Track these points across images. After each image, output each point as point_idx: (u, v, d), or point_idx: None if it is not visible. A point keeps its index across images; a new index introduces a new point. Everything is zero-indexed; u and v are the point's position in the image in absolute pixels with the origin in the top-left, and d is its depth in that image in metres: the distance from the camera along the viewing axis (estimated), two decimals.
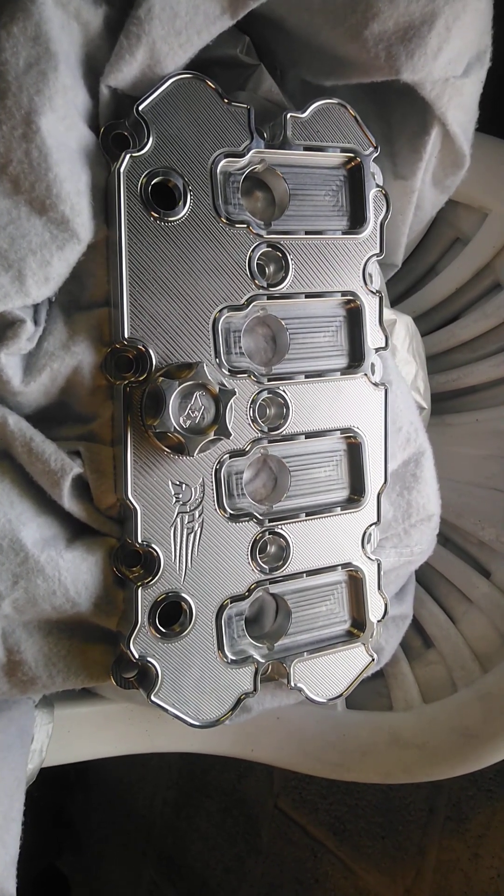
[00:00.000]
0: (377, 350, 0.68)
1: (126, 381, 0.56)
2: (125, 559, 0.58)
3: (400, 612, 0.81)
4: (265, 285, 0.62)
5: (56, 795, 1.83)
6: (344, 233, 0.65)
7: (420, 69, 0.62)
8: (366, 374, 0.67)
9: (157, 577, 0.58)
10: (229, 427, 0.58)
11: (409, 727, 0.85)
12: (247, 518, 0.62)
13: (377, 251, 0.67)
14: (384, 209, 0.67)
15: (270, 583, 0.64)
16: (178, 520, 0.59)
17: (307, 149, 0.63)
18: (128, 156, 0.55)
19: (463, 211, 0.93)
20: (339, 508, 0.67)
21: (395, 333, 0.80)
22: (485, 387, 0.95)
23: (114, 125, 0.57)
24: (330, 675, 0.68)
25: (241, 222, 0.60)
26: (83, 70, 0.56)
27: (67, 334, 0.57)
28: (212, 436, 0.57)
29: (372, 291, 0.67)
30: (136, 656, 0.58)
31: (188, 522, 0.60)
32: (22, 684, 0.59)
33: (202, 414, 0.57)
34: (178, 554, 0.59)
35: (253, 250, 0.61)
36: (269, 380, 0.63)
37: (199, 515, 0.60)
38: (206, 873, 1.42)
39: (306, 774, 1.19)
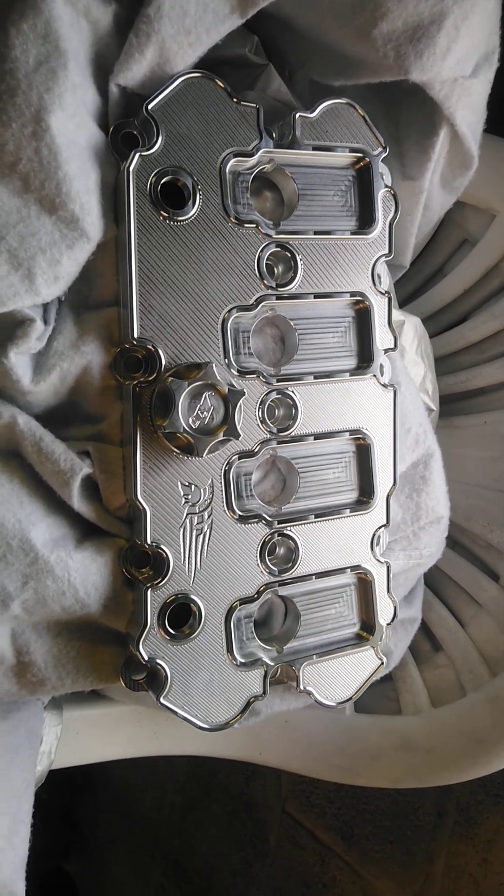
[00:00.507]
0: (386, 351, 0.68)
1: (135, 381, 0.56)
2: (134, 560, 0.58)
3: (409, 616, 0.81)
4: (274, 285, 0.62)
5: (64, 798, 1.82)
6: (353, 233, 0.65)
7: (429, 69, 0.62)
8: (375, 376, 0.67)
9: (166, 579, 0.58)
10: (238, 428, 0.57)
11: (418, 731, 0.84)
12: (256, 519, 0.62)
13: (386, 251, 0.67)
14: (393, 209, 0.67)
15: (279, 585, 0.64)
16: (188, 521, 0.59)
17: (316, 149, 0.63)
18: (137, 155, 0.55)
19: (471, 212, 0.93)
20: (348, 510, 0.67)
21: (403, 334, 0.80)
22: (493, 388, 0.94)
23: (123, 124, 0.57)
24: (339, 678, 0.67)
25: (250, 222, 0.60)
26: (93, 68, 0.56)
27: (77, 334, 0.56)
28: (221, 436, 0.57)
29: (381, 292, 0.67)
30: (146, 658, 0.57)
31: (197, 524, 0.59)
32: (31, 685, 0.58)
33: (211, 414, 0.57)
34: (187, 555, 0.59)
35: (262, 250, 0.61)
36: (278, 380, 0.62)
37: (209, 517, 0.60)
38: (214, 877, 1.41)
39: (314, 778, 1.19)
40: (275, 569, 0.63)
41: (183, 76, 0.57)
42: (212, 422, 0.57)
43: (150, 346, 0.56)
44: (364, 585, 0.68)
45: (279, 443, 0.63)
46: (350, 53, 0.63)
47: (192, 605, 0.59)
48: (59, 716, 0.73)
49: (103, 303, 0.58)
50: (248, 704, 0.62)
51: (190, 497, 0.59)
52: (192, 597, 0.59)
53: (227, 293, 0.60)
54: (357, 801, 1.14)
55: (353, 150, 0.65)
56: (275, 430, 0.63)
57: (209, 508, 0.60)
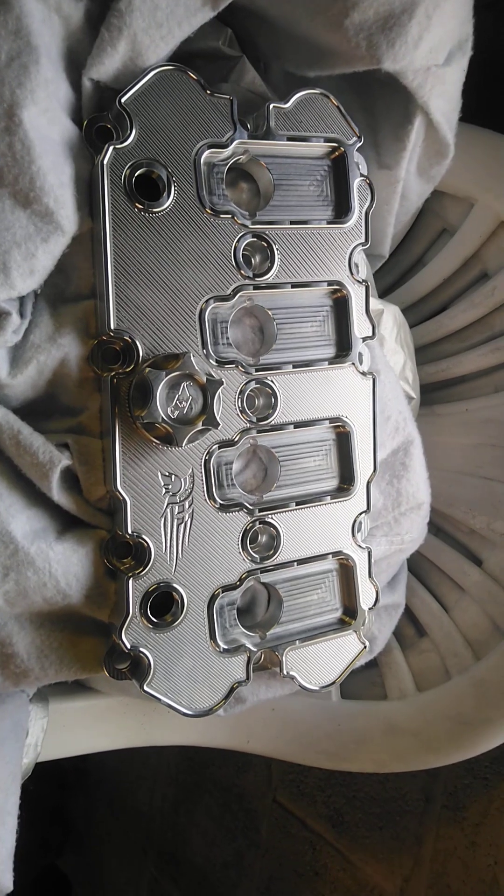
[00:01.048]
0: (364, 339, 0.68)
1: (113, 373, 0.57)
2: (116, 550, 0.58)
3: (392, 601, 0.82)
4: (251, 275, 0.62)
5: (56, 796, 1.83)
6: (329, 222, 0.66)
7: (401, 58, 0.62)
8: (353, 364, 0.68)
9: (147, 568, 0.58)
10: (217, 417, 0.58)
11: (404, 715, 0.85)
12: (237, 508, 0.62)
13: (362, 240, 0.67)
14: (369, 198, 0.68)
15: (261, 572, 0.64)
16: (168, 510, 0.59)
17: (291, 139, 0.63)
18: (111, 148, 0.56)
19: (449, 201, 0.93)
20: (328, 497, 0.67)
21: (382, 323, 0.80)
22: (473, 376, 0.95)
23: (97, 118, 0.57)
24: (322, 662, 0.68)
25: (226, 213, 0.60)
26: (65, 63, 0.56)
27: (54, 327, 0.57)
28: (200, 426, 0.57)
29: (358, 281, 0.67)
30: (129, 647, 0.58)
31: (178, 513, 0.60)
32: (14, 676, 0.59)
33: (190, 404, 0.57)
34: (168, 544, 0.59)
35: (238, 240, 0.61)
36: (257, 370, 0.63)
37: (189, 506, 0.60)
38: (206, 868, 1.42)
39: (304, 768, 1.20)
40: (257, 556, 0.64)
41: (155, 69, 0.57)
42: (190, 411, 0.57)
43: (127, 338, 0.57)
44: (346, 571, 0.69)
45: (259, 432, 0.64)
46: (323, 44, 0.63)
47: (174, 593, 0.60)
48: (45, 708, 0.73)
49: (80, 295, 0.58)
50: (231, 690, 0.63)
51: (170, 487, 0.59)
52: (175, 585, 0.60)
53: (205, 284, 0.60)
54: (346, 788, 1.15)
55: (327, 140, 0.65)
56: (255, 420, 0.63)
57: (190, 498, 0.60)
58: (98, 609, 0.59)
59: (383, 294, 1.01)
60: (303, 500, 0.66)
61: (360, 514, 0.69)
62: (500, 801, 0.96)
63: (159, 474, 0.59)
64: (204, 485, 0.61)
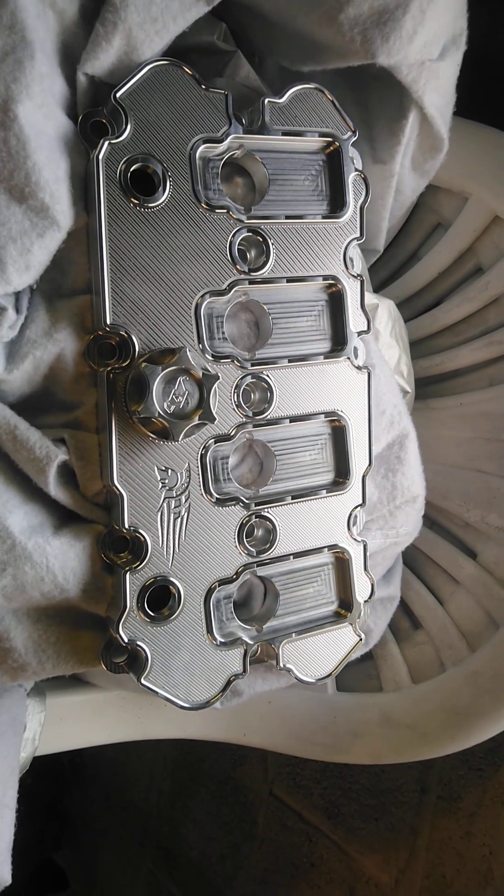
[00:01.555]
0: (359, 333, 0.69)
1: (109, 368, 0.57)
2: (113, 545, 0.59)
3: (388, 594, 0.82)
4: (247, 270, 0.62)
5: (53, 791, 1.84)
6: (324, 217, 0.66)
7: (396, 53, 0.62)
8: (349, 358, 0.68)
9: (144, 562, 0.58)
10: (214, 411, 0.58)
11: (399, 707, 0.86)
12: (233, 502, 0.63)
13: (357, 235, 0.68)
14: (363, 193, 0.68)
15: (258, 565, 0.65)
16: (165, 505, 0.60)
17: (286, 134, 0.63)
18: (106, 143, 0.56)
19: (443, 196, 0.93)
20: (324, 491, 0.67)
21: (377, 318, 0.81)
22: (468, 370, 0.95)
23: (92, 112, 0.57)
24: (318, 655, 0.68)
25: (222, 207, 0.60)
26: (60, 58, 0.56)
27: (50, 322, 0.57)
28: (196, 420, 0.57)
29: (353, 275, 0.68)
30: (126, 640, 0.58)
31: (175, 507, 0.60)
32: (12, 671, 0.59)
33: (186, 399, 0.58)
34: (165, 539, 0.60)
35: (234, 235, 0.61)
36: (253, 365, 0.63)
37: (186, 500, 0.60)
38: (203, 862, 1.43)
39: (300, 760, 1.21)
40: (253, 550, 0.64)
41: (150, 64, 0.57)
42: (187, 406, 0.58)
43: (123, 333, 0.57)
44: (341, 564, 0.69)
45: (255, 426, 0.64)
46: (317, 39, 0.64)
47: (171, 587, 0.60)
48: (43, 702, 0.74)
49: (76, 290, 0.58)
50: (228, 683, 0.63)
51: (167, 481, 0.59)
52: (171, 579, 0.60)
53: (200, 278, 0.60)
54: (342, 780, 1.16)
55: (322, 135, 0.65)
56: (250, 414, 0.63)
57: (186, 492, 0.60)
58: (95, 603, 0.59)
59: (378, 288, 1.01)
60: (299, 494, 0.66)
61: (356, 507, 0.69)
62: (494, 791, 0.97)
63: (156, 469, 0.59)
64: (200, 479, 0.61)
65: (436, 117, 0.70)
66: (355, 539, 0.69)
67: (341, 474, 0.69)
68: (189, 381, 0.57)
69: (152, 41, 0.57)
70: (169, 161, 0.58)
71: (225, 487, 0.63)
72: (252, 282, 0.62)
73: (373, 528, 0.74)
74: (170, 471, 0.59)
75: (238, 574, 0.63)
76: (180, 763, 1.50)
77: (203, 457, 0.61)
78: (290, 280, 0.65)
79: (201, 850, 1.43)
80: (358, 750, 0.87)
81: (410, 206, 0.90)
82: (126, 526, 0.58)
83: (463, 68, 0.71)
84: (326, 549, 0.68)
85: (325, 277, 0.66)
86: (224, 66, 0.66)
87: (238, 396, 0.62)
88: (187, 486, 0.60)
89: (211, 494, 0.61)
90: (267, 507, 0.65)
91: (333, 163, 0.66)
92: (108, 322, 0.56)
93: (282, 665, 0.66)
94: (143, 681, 0.59)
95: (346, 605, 0.70)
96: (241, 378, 0.62)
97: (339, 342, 0.68)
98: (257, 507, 0.64)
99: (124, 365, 0.57)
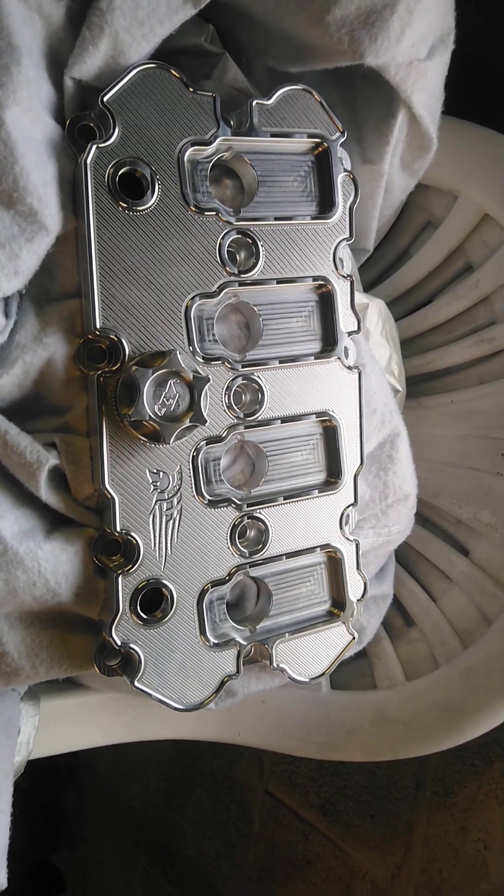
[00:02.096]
0: (350, 334, 0.69)
1: (99, 372, 0.57)
2: (105, 548, 0.59)
3: (380, 592, 0.82)
4: (236, 272, 0.62)
5: (49, 793, 1.84)
6: (313, 218, 0.66)
7: (383, 53, 0.62)
8: (339, 358, 0.68)
9: (137, 565, 0.58)
10: (205, 413, 0.58)
11: (393, 705, 0.86)
12: (225, 504, 0.63)
13: (347, 235, 0.68)
14: (353, 193, 0.68)
15: (250, 566, 0.65)
16: (157, 507, 0.60)
17: (274, 135, 0.63)
18: (94, 147, 0.55)
19: (433, 194, 0.94)
20: (316, 491, 0.68)
21: (367, 317, 0.81)
22: (459, 368, 0.96)
23: (79, 117, 0.57)
24: (312, 654, 0.68)
25: (211, 210, 0.60)
26: (47, 63, 0.56)
27: (39, 326, 0.57)
28: (187, 423, 0.57)
29: (343, 276, 0.68)
30: (119, 643, 0.58)
31: (167, 510, 0.60)
32: (5, 676, 0.59)
33: (177, 401, 0.58)
34: (157, 541, 0.60)
35: (223, 237, 0.61)
36: (244, 366, 0.63)
37: (178, 502, 0.61)
38: (199, 861, 1.43)
39: (296, 758, 1.21)
40: (245, 551, 0.64)
41: (138, 67, 0.57)
42: (178, 409, 0.58)
43: (113, 336, 0.57)
44: (334, 563, 0.70)
45: (247, 427, 0.64)
46: (305, 40, 0.64)
47: (163, 589, 0.60)
48: (37, 706, 0.74)
49: (65, 295, 0.58)
50: (222, 684, 0.63)
51: (158, 484, 0.59)
52: (164, 581, 0.60)
53: (190, 281, 0.60)
54: (337, 777, 1.16)
55: (311, 136, 0.65)
56: (242, 416, 0.63)
57: (178, 494, 0.60)
58: (88, 607, 0.59)
59: (368, 287, 1.01)
60: (291, 495, 0.66)
61: (348, 506, 0.69)
62: (489, 786, 0.98)
63: (147, 471, 0.59)
64: (192, 481, 0.61)
65: (424, 116, 0.70)
66: (347, 538, 0.70)
67: (333, 474, 0.69)
68: (180, 383, 0.58)
69: (139, 45, 0.57)
70: (157, 164, 0.58)
71: (217, 489, 0.63)
72: (242, 283, 0.62)
73: (365, 526, 0.74)
74: (161, 473, 0.60)
75: (231, 575, 0.63)
76: (176, 763, 1.51)
77: (195, 459, 0.61)
78: (279, 281, 0.65)
79: (198, 849, 1.44)
80: (352, 747, 0.87)
81: (400, 205, 0.90)
82: (118, 529, 0.58)
83: (452, 67, 0.71)
84: (319, 549, 0.68)
85: (315, 278, 0.66)
86: (212, 68, 0.66)
87: (229, 398, 0.62)
88: (179, 488, 0.60)
89: (203, 496, 0.61)
90: (259, 508, 0.65)
91: (322, 164, 0.66)
92: (98, 326, 0.56)
93: (275, 665, 0.66)
94: (136, 683, 0.59)
95: (338, 604, 0.70)
96: (232, 380, 0.62)
97: (329, 342, 0.68)
98: (249, 508, 0.64)
99: (114, 368, 0.57)
